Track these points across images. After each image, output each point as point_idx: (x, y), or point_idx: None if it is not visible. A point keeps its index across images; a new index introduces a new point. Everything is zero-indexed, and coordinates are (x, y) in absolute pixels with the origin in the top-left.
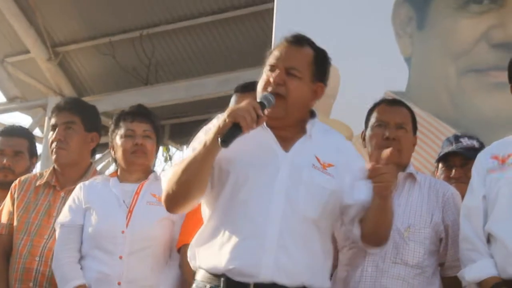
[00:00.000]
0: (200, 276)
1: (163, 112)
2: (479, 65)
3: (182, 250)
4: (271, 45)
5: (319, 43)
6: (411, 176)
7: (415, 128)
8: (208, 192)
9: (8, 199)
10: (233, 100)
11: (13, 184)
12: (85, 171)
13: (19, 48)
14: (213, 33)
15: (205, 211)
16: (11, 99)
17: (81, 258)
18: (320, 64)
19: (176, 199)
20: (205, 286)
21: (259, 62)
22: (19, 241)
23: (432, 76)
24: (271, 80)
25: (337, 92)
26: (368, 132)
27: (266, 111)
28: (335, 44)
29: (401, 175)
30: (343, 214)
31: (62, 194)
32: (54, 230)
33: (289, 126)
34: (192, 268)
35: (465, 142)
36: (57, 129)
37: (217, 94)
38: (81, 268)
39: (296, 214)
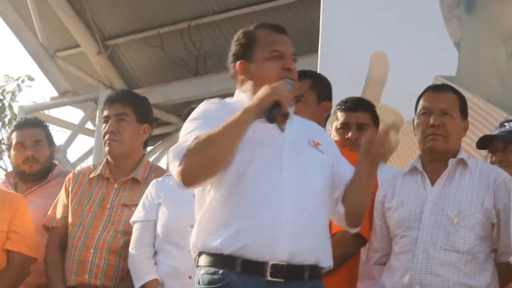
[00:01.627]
0: (208, 261)
1: None
2: None
3: None
4: (318, 33)
5: (368, 28)
6: (462, 162)
7: (465, 113)
8: None
9: (62, 192)
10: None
11: (67, 177)
12: (137, 163)
13: (69, 42)
14: (262, 22)
15: (207, 195)
16: (62, 93)
17: (155, 253)
18: None
19: (200, 173)
20: (218, 272)
21: (309, 50)
22: (74, 233)
23: (482, 59)
24: (291, 67)
25: (386, 78)
26: (415, 120)
27: None
28: (384, 30)
29: (451, 161)
30: None
31: (116, 186)
32: (108, 222)
33: None
34: (193, 254)
35: (509, 126)
36: (109, 121)
37: None
38: (155, 263)
39: (307, 187)
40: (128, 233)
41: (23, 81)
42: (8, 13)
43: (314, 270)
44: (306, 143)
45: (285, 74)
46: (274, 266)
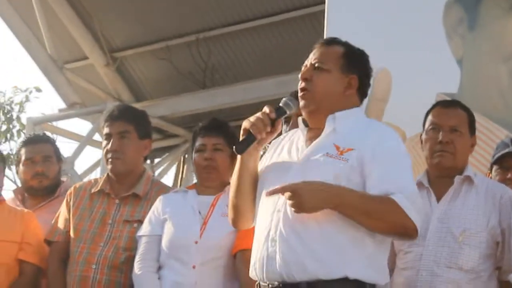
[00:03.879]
0: None
1: (221, 116)
2: None
3: (238, 255)
4: None
5: (370, 45)
6: (469, 179)
7: (473, 129)
8: None
9: (64, 206)
10: None
11: (68, 191)
12: (138, 178)
13: (78, 54)
14: (269, 35)
15: None
16: (70, 105)
17: (160, 268)
18: (351, 57)
19: (231, 214)
20: None
21: None
22: (75, 248)
23: (483, 77)
24: (301, 77)
25: (389, 96)
26: (423, 136)
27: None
28: (386, 46)
29: (457, 178)
30: None
31: (117, 201)
32: (110, 238)
33: (325, 118)
34: None
35: None
36: (112, 139)
37: (274, 96)
38: (159, 278)
39: None
40: (129, 249)
41: (30, 92)
42: (17, 25)
43: (316, 286)
44: (323, 154)
45: (300, 87)
46: (265, 285)
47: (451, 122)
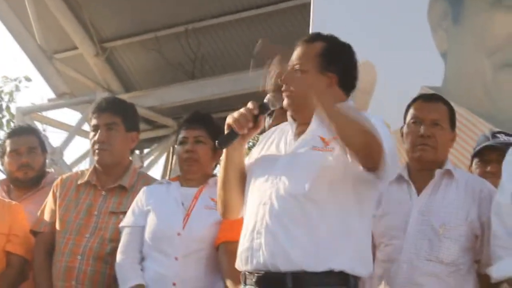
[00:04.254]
0: None
1: (210, 106)
2: None
3: (220, 247)
4: None
5: (355, 38)
6: (449, 173)
7: (453, 124)
8: None
9: (50, 197)
10: None
11: (55, 183)
12: (125, 170)
13: (67, 44)
14: (258, 26)
15: None
16: (60, 95)
17: (142, 259)
18: (330, 55)
19: (219, 204)
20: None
21: None
22: (61, 239)
23: (467, 71)
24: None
25: (373, 88)
26: (404, 129)
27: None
28: (371, 39)
29: (438, 172)
30: None
31: (103, 193)
32: (95, 229)
33: (310, 114)
34: None
35: (502, 138)
36: (99, 131)
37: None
38: (141, 269)
39: (284, 193)
40: (115, 240)
41: (20, 81)
42: (7, 15)
43: (300, 276)
44: (309, 147)
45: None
46: (251, 275)
47: (433, 116)
